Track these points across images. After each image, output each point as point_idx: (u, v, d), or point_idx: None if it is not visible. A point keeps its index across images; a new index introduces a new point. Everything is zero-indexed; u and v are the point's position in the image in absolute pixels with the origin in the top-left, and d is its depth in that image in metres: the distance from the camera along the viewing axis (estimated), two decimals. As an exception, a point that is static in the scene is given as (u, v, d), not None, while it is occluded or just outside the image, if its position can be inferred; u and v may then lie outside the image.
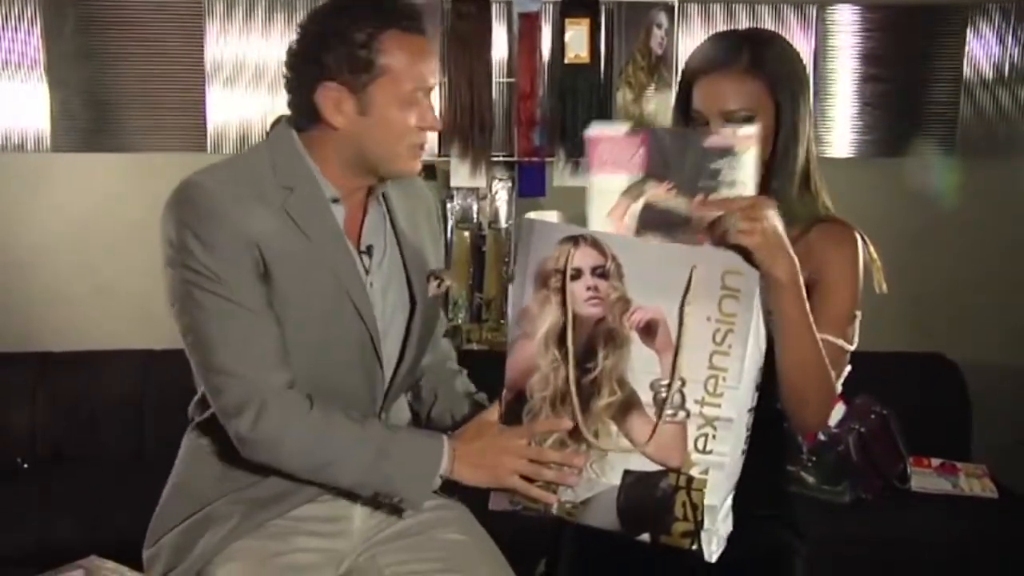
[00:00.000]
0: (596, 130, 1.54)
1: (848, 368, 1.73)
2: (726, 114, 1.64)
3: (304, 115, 1.64)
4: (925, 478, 3.30)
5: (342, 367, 1.68)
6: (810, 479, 3.17)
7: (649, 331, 1.45)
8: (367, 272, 1.70)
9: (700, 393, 1.44)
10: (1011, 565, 3.03)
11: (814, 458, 3.18)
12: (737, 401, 1.43)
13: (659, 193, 1.52)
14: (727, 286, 1.40)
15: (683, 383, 1.44)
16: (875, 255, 1.74)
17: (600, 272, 1.46)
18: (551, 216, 1.60)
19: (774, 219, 1.44)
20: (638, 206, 1.52)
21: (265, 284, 1.59)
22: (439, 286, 1.79)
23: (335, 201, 1.66)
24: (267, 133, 1.72)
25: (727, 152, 1.45)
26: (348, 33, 1.56)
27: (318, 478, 1.63)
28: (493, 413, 1.60)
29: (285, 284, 1.59)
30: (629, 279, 1.45)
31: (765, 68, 1.64)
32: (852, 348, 1.71)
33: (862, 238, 1.73)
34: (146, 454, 3.35)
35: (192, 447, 1.74)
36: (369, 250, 1.71)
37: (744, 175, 1.46)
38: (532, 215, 1.56)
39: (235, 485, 1.67)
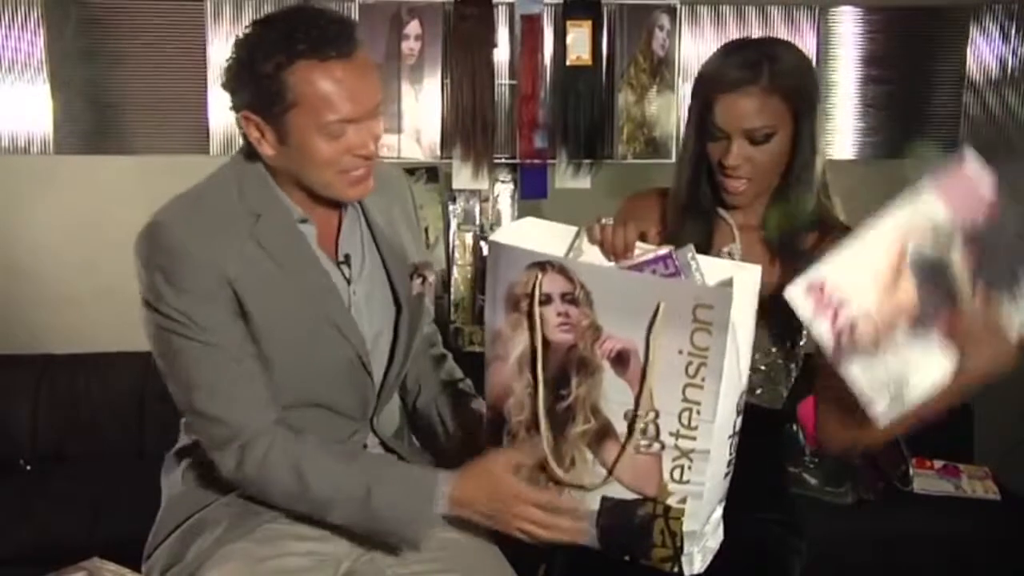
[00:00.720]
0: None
1: None
2: (748, 132, 1.66)
3: (246, 140, 1.61)
4: (927, 480, 3.30)
5: (330, 384, 1.67)
6: (812, 480, 3.17)
7: (621, 361, 1.42)
8: (349, 282, 1.68)
9: (675, 425, 1.41)
10: (1013, 567, 3.03)
11: (816, 459, 3.18)
12: (713, 434, 1.40)
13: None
14: (698, 319, 1.35)
15: (656, 415, 1.41)
16: None
17: (570, 299, 1.42)
18: (524, 226, 1.56)
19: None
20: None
21: (242, 319, 1.58)
22: (423, 283, 1.76)
23: (303, 221, 1.64)
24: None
25: None
26: (255, 66, 1.51)
27: (310, 515, 1.62)
28: (504, 462, 1.53)
29: (262, 315, 1.58)
30: (599, 307, 1.41)
31: (785, 84, 1.67)
32: None
33: None
34: (147, 455, 3.34)
35: (184, 461, 1.73)
36: (348, 259, 1.69)
37: None
38: (497, 236, 1.51)
39: (225, 491, 1.67)
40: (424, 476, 1.59)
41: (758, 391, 1.75)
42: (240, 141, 1.66)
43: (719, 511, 1.50)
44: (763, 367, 1.74)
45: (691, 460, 1.42)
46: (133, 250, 1.59)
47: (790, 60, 1.69)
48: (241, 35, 1.56)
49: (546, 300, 1.44)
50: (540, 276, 1.43)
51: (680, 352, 1.38)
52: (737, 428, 1.45)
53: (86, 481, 3.20)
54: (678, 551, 1.45)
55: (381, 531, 1.59)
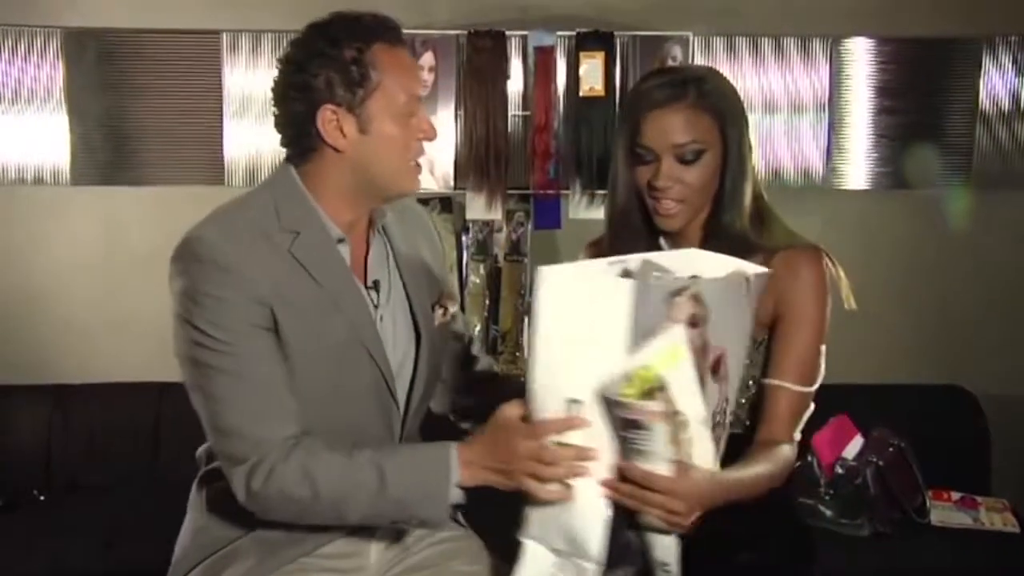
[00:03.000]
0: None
1: (811, 408, 1.73)
2: (677, 147, 1.67)
3: (303, 148, 1.62)
4: (945, 512, 3.26)
5: (357, 409, 1.66)
6: (828, 512, 3.14)
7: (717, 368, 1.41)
8: (376, 307, 1.69)
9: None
10: (1033, 601, 3.00)
11: (832, 491, 3.15)
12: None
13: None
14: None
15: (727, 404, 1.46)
16: (842, 274, 1.75)
17: (691, 322, 1.37)
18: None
19: (690, 500, 1.40)
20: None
21: (276, 337, 1.56)
22: (444, 314, 1.77)
23: (341, 241, 1.64)
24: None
25: (637, 425, 1.35)
26: (336, 52, 1.55)
27: (328, 521, 1.59)
28: (511, 409, 1.48)
29: (296, 332, 1.57)
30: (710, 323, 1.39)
31: (712, 103, 1.68)
32: (815, 388, 1.71)
33: (829, 258, 1.73)
34: (160, 485, 3.34)
35: (209, 490, 1.71)
36: (376, 285, 1.70)
37: (656, 447, 1.37)
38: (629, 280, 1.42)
39: (253, 523, 1.64)
40: (436, 449, 1.54)
41: (748, 423, 1.75)
42: (263, 175, 1.67)
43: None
44: (743, 400, 1.74)
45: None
46: (169, 264, 1.58)
47: (715, 82, 1.72)
48: (300, 38, 1.59)
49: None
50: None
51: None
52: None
53: (100, 511, 3.19)
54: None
55: (402, 518, 1.54)
